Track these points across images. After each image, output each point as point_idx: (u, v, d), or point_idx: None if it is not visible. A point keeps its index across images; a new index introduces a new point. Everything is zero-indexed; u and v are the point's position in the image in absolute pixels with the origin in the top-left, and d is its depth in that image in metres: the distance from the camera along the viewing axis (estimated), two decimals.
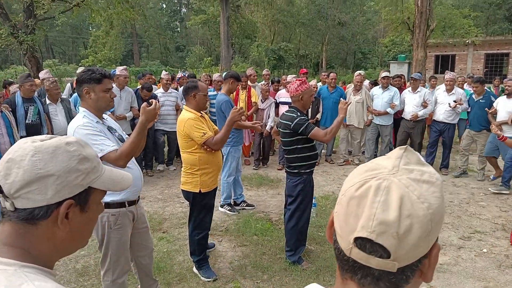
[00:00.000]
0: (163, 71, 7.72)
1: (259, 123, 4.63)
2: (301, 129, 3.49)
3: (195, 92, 3.41)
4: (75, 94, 6.36)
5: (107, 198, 2.58)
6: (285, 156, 3.77)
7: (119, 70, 6.41)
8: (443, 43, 23.95)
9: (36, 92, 6.15)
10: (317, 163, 4.28)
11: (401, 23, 22.20)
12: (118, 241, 2.64)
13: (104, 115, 2.75)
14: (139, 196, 2.82)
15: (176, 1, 48.41)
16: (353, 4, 38.85)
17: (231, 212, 5.10)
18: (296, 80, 3.73)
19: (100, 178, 0.92)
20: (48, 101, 5.66)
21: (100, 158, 2.45)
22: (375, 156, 7.74)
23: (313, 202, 4.10)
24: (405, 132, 7.05)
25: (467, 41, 22.38)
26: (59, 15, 13.14)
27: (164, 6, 47.80)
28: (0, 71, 26.75)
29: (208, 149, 3.38)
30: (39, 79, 7.00)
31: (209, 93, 7.20)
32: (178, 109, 7.08)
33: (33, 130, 5.19)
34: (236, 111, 3.42)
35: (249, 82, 7.71)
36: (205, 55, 38.15)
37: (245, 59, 38.54)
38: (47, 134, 5.42)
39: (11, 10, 13.52)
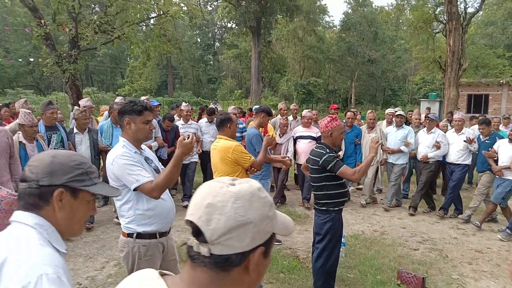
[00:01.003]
0: (183, 102, 7.75)
1: (288, 158, 4.66)
2: (330, 166, 3.47)
3: (230, 124, 3.77)
4: (101, 123, 6.25)
5: (139, 229, 2.60)
6: (314, 192, 3.74)
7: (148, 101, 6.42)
8: (476, 83, 23.57)
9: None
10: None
11: (432, 62, 22.08)
12: None
13: (142, 145, 2.84)
14: (170, 228, 2.84)
15: (210, 35, 50.27)
16: (383, 42, 39.15)
17: None
18: (327, 116, 3.78)
19: (276, 223, 0.91)
20: (75, 130, 5.61)
21: (136, 188, 2.50)
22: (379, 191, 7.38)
23: (342, 241, 4.00)
24: (420, 172, 6.91)
25: (501, 81, 21.93)
26: (101, 46, 13.88)
27: (199, 40, 49.68)
28: (42, 97, 28.23)
29: (252, 170, 3.84)
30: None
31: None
32: (198, 141, 6.94)
33: None
34: (269, 138, 3.98)
35: (279, 116, 7.80)
36: (236, 88, 39.02)
37: (275, 93, 39.11)
38: None
39: (58, 41, 14.43)
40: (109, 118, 6.08)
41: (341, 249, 3.88)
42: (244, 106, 22.00)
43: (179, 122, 7.05)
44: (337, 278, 3.83)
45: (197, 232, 0.80)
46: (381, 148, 7.11)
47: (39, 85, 42.19)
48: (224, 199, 0.80)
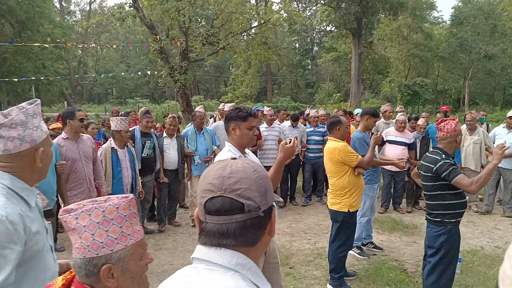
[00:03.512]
0: (265, 106, 7.71)
1: (403, 159, 4.40)
2: (444, 174, 3.15)
3: (339, 126, 3.93)
4: (185, 130, 6.33)
5: None
6: (426, 202, 3.44)
7: (228, 107, 6.39)
8: None
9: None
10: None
11: None
12: None
13: (247, 150, 2.93)
14: None
15: (308, 40, 50.25)
16: (503, 35, 34.74)
17: (361, 256, 4.83)
18: (453, 118, 3.47)
19: None
20: (164, 135, 5.84)
21: None
22: (500, 202, 6.81)
23: (458, 256, 3.61)
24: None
25: None
26: (208, 57, 14.82)
27: (297, 45, 50.02)
28: (157, 105, 31.23)
29: (358, 171, 3.92)
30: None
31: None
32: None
33: (147, 163, 5.41)
34: (377, 137, 4.06)
35: (382, 119, 7.40)
36: (334, 91, 38.30)
37: (376, 95, 37.44)
38: (159, 167, 5.54)
39: (170, 54, 15.86)
40: (192, 125, 6.21)
41: (456, 265, 3.51)
42: None
43: (262, 126, 7.02)
44: None
45: None
46: (487, 151, 6.51)
47: (153, 94, 46.88)
48: None
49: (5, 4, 26.00)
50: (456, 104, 34.29)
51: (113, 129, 4.78)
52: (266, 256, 2.83)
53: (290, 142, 2.79)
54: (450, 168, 3.15)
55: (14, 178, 1.49)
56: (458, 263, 3.85)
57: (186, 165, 6.13)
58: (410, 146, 6.55)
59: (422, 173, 3.40)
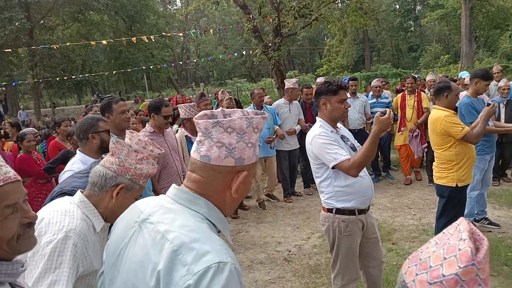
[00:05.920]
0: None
1: None
2: None
3: (447, 93, 3.54)
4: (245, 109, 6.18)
5: (338, 205, 2.68)
6: None
7: (291, 83, 6.13)
8: None
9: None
10: None
11: None
12: (348, 248, 2.71)
13: (338, 124, 2.87)
14: (369, 206, 2.81)
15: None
16: None
17: None
18: None
19: None
20: None
21: (334, 166, 2.58)
22: None
23: None
24: None
25: None
26: (300, 31, 14.62)
27: (398, 7, 46.19)
28: (253, 84, 32.03)
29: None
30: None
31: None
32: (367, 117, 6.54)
33: None
34: (490, 108, 3.53)
35: (494, 81, 6.47)
36: (442, 53, 34.79)
37: (492, 53, 33.03)
38: None
39: (263, 32, 16.04)
40: (252, 104, 5.97)
41: None
42: (453, 73, 19.39)
43: None
44: None
45: None
46: None
47: (250, 73, 48.05)
48: None
49: (118, 1, 28.86)
50: None
51: (183, 117, 4.33)
52: (364, 231, 2.79)
53: (385, 114, 2.66)
54: None
55: (210, 205, 1.11)
56: None
57: None
58: None
59: None
